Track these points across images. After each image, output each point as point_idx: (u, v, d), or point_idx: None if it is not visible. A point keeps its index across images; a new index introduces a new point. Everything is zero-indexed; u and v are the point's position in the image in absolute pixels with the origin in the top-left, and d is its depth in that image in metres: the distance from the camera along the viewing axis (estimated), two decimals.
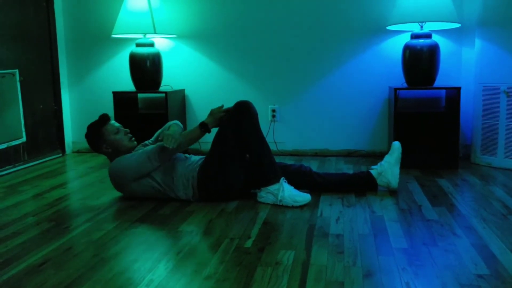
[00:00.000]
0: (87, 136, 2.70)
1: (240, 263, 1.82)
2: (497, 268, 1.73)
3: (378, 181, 2.73)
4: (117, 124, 2.70)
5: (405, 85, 3.47)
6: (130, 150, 2.67)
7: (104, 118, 2.70)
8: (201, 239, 2.07)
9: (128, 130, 2.72)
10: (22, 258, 1.91)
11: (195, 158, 2.69)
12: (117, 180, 2.61)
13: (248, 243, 2.02)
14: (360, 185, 2.77)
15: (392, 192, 2.73)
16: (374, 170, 2.75)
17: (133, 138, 2.71)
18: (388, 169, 2.72)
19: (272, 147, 3.86)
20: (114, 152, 2.67)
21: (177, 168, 2.59)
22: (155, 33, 3.60)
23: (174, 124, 2.65)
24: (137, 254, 1.92)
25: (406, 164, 3.28)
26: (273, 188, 2.54)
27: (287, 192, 2.53)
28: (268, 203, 2.55)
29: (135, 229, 2.21)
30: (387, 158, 2.75)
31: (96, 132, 2.67)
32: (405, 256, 1.85)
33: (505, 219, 2.26)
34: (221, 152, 2.59)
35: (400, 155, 2.74)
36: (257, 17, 3.84)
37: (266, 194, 2.56)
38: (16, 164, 3.52)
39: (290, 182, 2.70)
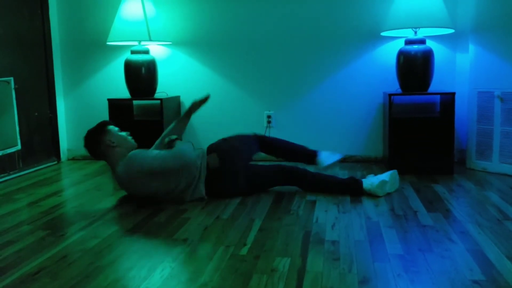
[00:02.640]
0: (92, 131, 2.76)
1: (235, 270, 1.81)
2: (492, 273, 1.74)
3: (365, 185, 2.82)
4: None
5: (399, 90, 3.49)
6: (131, 148, 2.74)
7: (108, 121, 2.84)
8: (197, 247, 2.07)
9: (129, 132, 2.85)
10: (17, 267, 1.90)
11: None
12: (135, 169, 2.61)
13: (243, 250, 2.01)
14: (346, 191, 2.86)
15: (387, 198, 2.73)
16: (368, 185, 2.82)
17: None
18: (378, 186, 2.79)
19: None
20: (118, 146, 2.71)
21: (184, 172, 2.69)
22: (150, 40, 3.60)
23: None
24: (132, 261, 1.92)
25: (401, 169, 3.29)
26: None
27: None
28: (264, 210, 2.56)
29: (130, 237, 2.20)
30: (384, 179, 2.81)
31: (102, 128, 2.75)
32: (401, 262, 1.85)
33: (501, 224, 2.26)
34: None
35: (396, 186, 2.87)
36: (252, 24, 3.85)
37: None
38: (11, 172, 3.51)
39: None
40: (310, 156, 3.06)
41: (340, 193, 2.84)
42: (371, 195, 2.78)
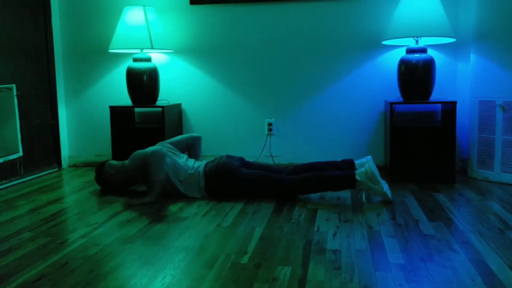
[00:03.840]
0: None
1: (236, 279, 1.81)
2: (494, 283, 1.73)
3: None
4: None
5: (400, 99, 3.49)
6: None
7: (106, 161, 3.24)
8: (197, 255, 2.06)
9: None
10: (17, 274, 1.89)
11: (194, 165, 3.08)
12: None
13: (244, 259, 2.01)
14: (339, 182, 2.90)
15: (389, 207, 2.73)
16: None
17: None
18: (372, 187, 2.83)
19: (268, 160, 3.87)
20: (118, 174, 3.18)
21: (182, 172, 3.02)
22: (152, 48, 3.61)
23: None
24: (133, 269, 1.91)
25: (402, 178, 3.29)
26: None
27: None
28: (265, 219, 2.55)
29: (131, 245, 2.20)
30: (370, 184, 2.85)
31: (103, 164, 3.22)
32: (402, 272, 1.85)
33: (503, 234, 2.26)
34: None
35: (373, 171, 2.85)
36: (254, 32, 3.86)
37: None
38: (13, 179, 3.51)
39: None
40: (348, 164, 3.08)
41: (334, 187, 2.89)
42: (369, 182, 2.82)
